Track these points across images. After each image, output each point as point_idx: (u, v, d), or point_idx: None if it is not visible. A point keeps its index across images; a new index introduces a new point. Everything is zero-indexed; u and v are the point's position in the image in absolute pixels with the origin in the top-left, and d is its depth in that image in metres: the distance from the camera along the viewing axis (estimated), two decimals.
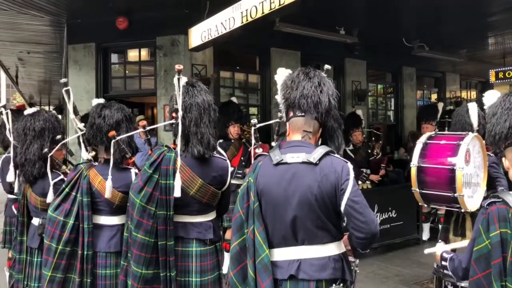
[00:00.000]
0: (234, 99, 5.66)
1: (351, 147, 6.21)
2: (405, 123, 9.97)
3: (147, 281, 2.63)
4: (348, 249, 2.12)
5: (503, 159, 2.11)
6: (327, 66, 2.27)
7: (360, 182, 6.04)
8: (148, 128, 3.08)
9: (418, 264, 5.48)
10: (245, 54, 7.76)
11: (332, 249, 1.96)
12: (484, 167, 4.16)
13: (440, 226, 5.73)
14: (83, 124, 3.20)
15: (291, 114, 2.11)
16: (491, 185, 4.31)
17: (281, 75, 2.29)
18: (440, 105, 6.35)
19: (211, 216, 2.82)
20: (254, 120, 2.79)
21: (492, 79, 10.86)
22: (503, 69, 10.77)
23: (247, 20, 4.69)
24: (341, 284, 1.94)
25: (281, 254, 1.98)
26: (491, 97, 2.72)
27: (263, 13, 4.48)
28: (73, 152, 3.85)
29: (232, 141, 5.35)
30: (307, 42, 6.79)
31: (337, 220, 1.98)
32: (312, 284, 1.90)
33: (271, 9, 4.36)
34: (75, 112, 3.21)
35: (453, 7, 6.60)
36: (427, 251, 2.61)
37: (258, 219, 1.99)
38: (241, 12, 4.77)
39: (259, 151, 2.65)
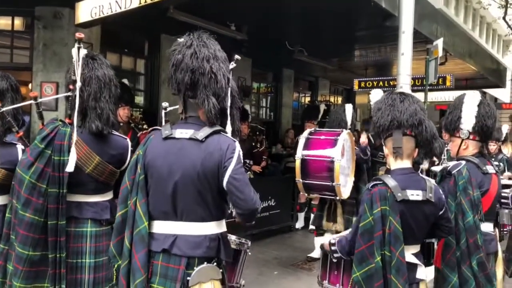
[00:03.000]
0: (125, 81, 5.43)
1: (238, 138, 6.43)
2: (282, 120, 10.64)
3: (33, 263, 2.44)
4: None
5: (384, 147, 2.48)
6: (237, 57, 2.35)
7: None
8: (40, 100, 2.83)
9: (293, 248, 5.97)
10: (134, 38, 7.47)
11: (210, 228, 1.99)
12: (352, 160, 4.74)
13: (312, 215, 6.31)
14: None
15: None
16: (359, 175, 4.94)
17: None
18: (322, 107, 6.99)
19: (108, 196, 2.72)
20: (165, 103, 2.77)
21: (356, 87, 12.21)
22: (365, 79, 12.17)
23: (145, 1, 4.56)
24: (215, 263, 1.98)
25: (159, 226, 2.00)
26: (376, 95, 3.13)
27: None
28: None
29: (121, 124, 5.13)
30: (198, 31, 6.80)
31: (219, 199, 2.00)
32: (184, 260, 1.94)
33: None
34: None
35: (327, 19, 7.25)
36: (318, 243, 2.84)
37: (141, 191, 2.00)
38: None
39: None
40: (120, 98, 4.95)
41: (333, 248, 2.51)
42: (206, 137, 1.98)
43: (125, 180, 2.07)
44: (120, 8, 4.88)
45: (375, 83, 11.85)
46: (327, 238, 2.73)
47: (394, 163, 2.37)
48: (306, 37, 8.53)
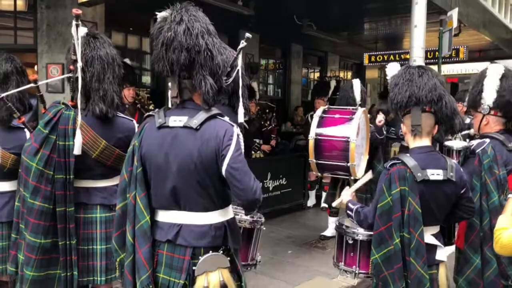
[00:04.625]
0: (127, 61, 5.31)
1: (246, 117, 6.34)
2: (291, 98, 10.48)
3: (45, 251, 2.41)
4: None
5: (401, 125, 2.36)
6: (248, 35, 2.21)
7: (253, 152, 6.25)
8: (40, 83, 2.74)
9: (306, 227, 5.91)
10: (138, 16, 7.31)
11: (215, 217, 1.91)
12: (367, 138, 4.62)
13: (323, 193, 6.24)
14: None
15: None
16: (373, 153, 4.82)
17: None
18: (332, 83, 6.84)
19: (117, 180, 2.62)
20: None
21: (366, 61, 11.95)
22: (375, 53, 11.90)
23: None
24: (222, 252, 1.91)
25: (163, 216, 1.94)
26: (393, 69, 2.99)
27: None
28: None
29: (127, 106, 5.05)
30: (204, 9, 6.62)
31: (221, 187, 1.91)
32: (189, 250, 1.88)
33: None
34: None
35: None
36: (335, 203, 2.80)
37: (140, 185, 1.91)
38: None
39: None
40: (124, 79, 4.89)
41: (349, 212, 2.44)
42: (201, 124, 1.86)
43: (123, 172, 2.00)
44: None
45: (385, 57, 11.59)
46: (346, 196, 2.59)
47: (412, 142, 2.27)
48: (314, 11, 8.28)
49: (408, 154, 2.23)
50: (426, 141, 2.24)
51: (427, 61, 9.74)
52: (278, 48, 10.51)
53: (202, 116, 1.88)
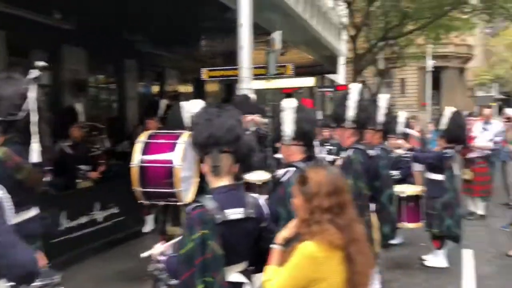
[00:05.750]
0: None
1: (70, 142, 5.76)
2: (128, 115, 10.02)
3: None
4: None
5: (203, 165, 2.33)
6: (41, 63, 1.94)
7: (79, 180, 5.73)
8: None
9: (139, 258, 5.58)
10: None
11: None
12: (196, 161, 4.60)
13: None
14: None
15: None
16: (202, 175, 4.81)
17: None
18: (163, 102, 6.66)
19: None
20: None
21: (205, 76, 12.14)
22: (213, 68, 12.18)
23: None
24: None
25: None
26: (195, 106, 2.97)
27: None
28: None
29: None
30: (17, 22, 5.87)
31: None
32: None
33: None
34: None
35: (167, 7, 6.94)
36: (143, 255, 2.66)
37: None
38: None
39: None
40: None
41: (158, 265, 2.35)
42: None
43: None
44: None
45: (224, 73, 11.97)
46: (157, 249, 2.52)
47: (214, 182, 2.25)
48: (146, 26, 8.07)
49: (209, 196, 2.21)
50: (226, 181, 2.24)
51: (256, 77, 10.36)
52: (110, 64, 9.94)
53: None
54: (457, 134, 5.10)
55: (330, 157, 5.26)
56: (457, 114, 5.25)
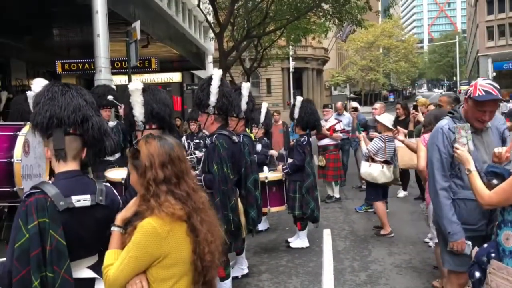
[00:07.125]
0: None
1: None
2: None
3: None
4: None
5: (46, 149, 2.04)
6: None
7: None
8: None
9: None
10: None
11: None
12: (46, 157, 4.10)
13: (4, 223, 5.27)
14: None
15: None
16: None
17: None
18: (4, 94, 5.87)
19: None
20: None
21: (59, 70, 11.08)
22: (69, 61, 11.19)
23: None
24: None
25: None
26: (38, 85, 2.61)
27: None
28: None
29: None
30: None
31: None
32: None
33: None
34: None
35: None
36: None
37: None
38: None
39: None
40: None
41: None
42: None
43: None
44: None
45: (80, 65, 11.07)
46: None
47: (57, 167, 1.97)
48: None
49: (50, 182, 1.93)
50: (73, 165, 1.98)
51: (117, 70, 9.79)
52: None
53: None
54: (308, 120, 5.44)
55: (200, 154, 5.13)
56: (306, 102, 5.61)
